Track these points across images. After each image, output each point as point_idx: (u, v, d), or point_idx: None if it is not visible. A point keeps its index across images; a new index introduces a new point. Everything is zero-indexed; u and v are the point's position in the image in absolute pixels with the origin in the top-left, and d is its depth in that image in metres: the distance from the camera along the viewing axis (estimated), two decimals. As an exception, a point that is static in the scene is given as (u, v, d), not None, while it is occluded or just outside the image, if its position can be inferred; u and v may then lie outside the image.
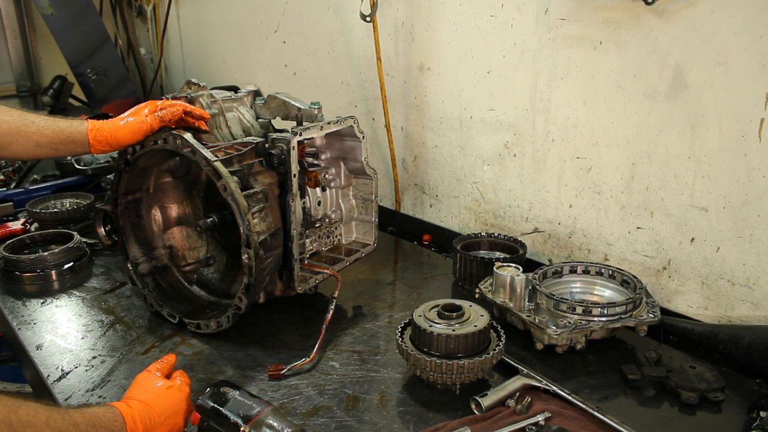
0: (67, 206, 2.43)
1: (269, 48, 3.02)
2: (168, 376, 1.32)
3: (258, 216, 1.50)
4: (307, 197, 1.76)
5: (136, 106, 1.62)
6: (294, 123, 1.74)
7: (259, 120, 1.85)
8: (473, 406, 1.33)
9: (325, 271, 1.71)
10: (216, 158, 1.50)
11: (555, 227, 1.95)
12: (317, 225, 1.78)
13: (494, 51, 1.97)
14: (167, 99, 1.65)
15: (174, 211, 1.85)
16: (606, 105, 1.72)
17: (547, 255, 2.00)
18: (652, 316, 1.51)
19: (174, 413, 1.24)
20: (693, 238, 1.62)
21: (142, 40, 4.37)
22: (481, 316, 1.42)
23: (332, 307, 1.60)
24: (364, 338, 1.64)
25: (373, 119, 2.50)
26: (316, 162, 1.76)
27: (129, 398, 1.21)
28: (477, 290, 1.70)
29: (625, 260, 1.78)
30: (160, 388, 1.26)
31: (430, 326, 1.38)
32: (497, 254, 1.98)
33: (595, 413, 1.27)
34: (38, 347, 1.60)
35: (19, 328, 1.70)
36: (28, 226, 2.32)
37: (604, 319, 1.50)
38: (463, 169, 2.20)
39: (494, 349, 1.38)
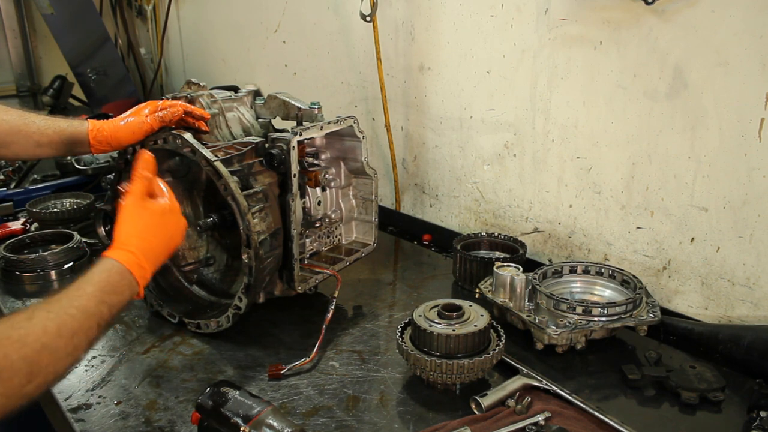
0: (67, 206, 2.42)
1: (269, 48, 3.02)
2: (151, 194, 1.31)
3: (258, 216, 1.50)
4: (307, 197, 1.76)
5: (136, 106, 1.62)
6: (294, 123, 1.74)
7: (259, 120, 1.85)
8: (473, 406, 1.33)
9: (325, 271, 1.71)
10: (216, 158, 1.50)
11: (555, 227, 1.95)
12: (317, 225, 1.78)
13: (494, 51, 1.97)
14: (167, 99, 1.65)
15: (174, 211, 1.85)
16: (606, 105, 1.72)
17: (547, 255, 2.00)
18: (652, 316, 1.51)
19: (172, 236, 1.26)
20: (693, 238, 1.62)
21: (142, 40, 4.36)
22: (481, 316, 1.42)
23: (332, 307, 1.60)
24: (364, 338, 1.64)
25: (373, 119, 2.50)
26: (316, 162, 1.77)
27: (126, 242, 1.21)
28: (477, 290, 1.70)
29: (625, 260, 1.78)
30: (154, 218, 1.25)
31: (430, 326, 1.38)
32: (497, 254, 1.98)
33: (595, 413, 1.27)
34: (38, 347, 1.60)
35: (19, 328, 1.70)
36: (28, 226, 2.31)
37: (604, 319, 1.50)
38: (463, 168, 2.20)
39: (494, 349, 1.38)
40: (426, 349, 1.38)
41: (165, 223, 1.26)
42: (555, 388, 1.35)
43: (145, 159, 1.33)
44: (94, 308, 1.09)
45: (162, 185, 1.37)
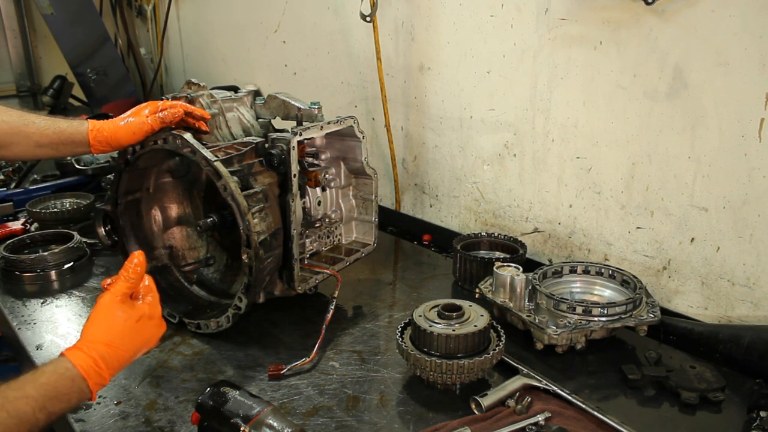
0: (67, 206, 2.43)
1: (269, 48, 3.02)
2: (133, 294, 1.20)
3: (258, 216, 1.50)
4: (307, 197, 1.76)
5: (136, 107, 1.62)
6: (294, 123, 1.74)
7: (259, 120, 1.85)
8: (473, 406, 1.33)
9: (325, 271, 1.71)
10: (216, 158, 1.50)
11: (555, 227, 1.95)
12: (317, 225, 1.78)
13: (494, 51, 1.97)
14: (168, 99, 1.64)
15: (174, 211, 1.85)
16: (606, 105, 1.72)
17: (547, 255, 2.00)
18: (652, 316, 1.51)
19: (146, 343, 1.17)
20: (693, 238, 1.62)
21: (142, 40, 4.36)
22: (481, 316, 1.42)
23: (332, 307, 1.60)
24: (364, 338, 1.64)
25: (373, 119, 2.50)
26: (316, 162, 1.77)
27: (90, 346, 1.11)
28: (477, 290, 1.70)
29: (625, 260, 1.78)
30: (128, 323, 1.14)
31: (430, 326, 1.38)
32: (497, 254, 1.98)
33: (595, 413, 1.27)
34: (38, 347, 1.60)
35: (19, 328, 1.70)
36: (28, 226, 2.31)
37: (604, 319, 1.50)
38: (463, 168, 2.20)
39: (494, 349, 1.38)
40: (426, 349, 1.38)
41: (140, 330, 1.16)
42: (555, 388, 1.35)
43: (137, 262, 1.20)
44: (31, 415, 1.00)
45: (149, 284, 1.24)
